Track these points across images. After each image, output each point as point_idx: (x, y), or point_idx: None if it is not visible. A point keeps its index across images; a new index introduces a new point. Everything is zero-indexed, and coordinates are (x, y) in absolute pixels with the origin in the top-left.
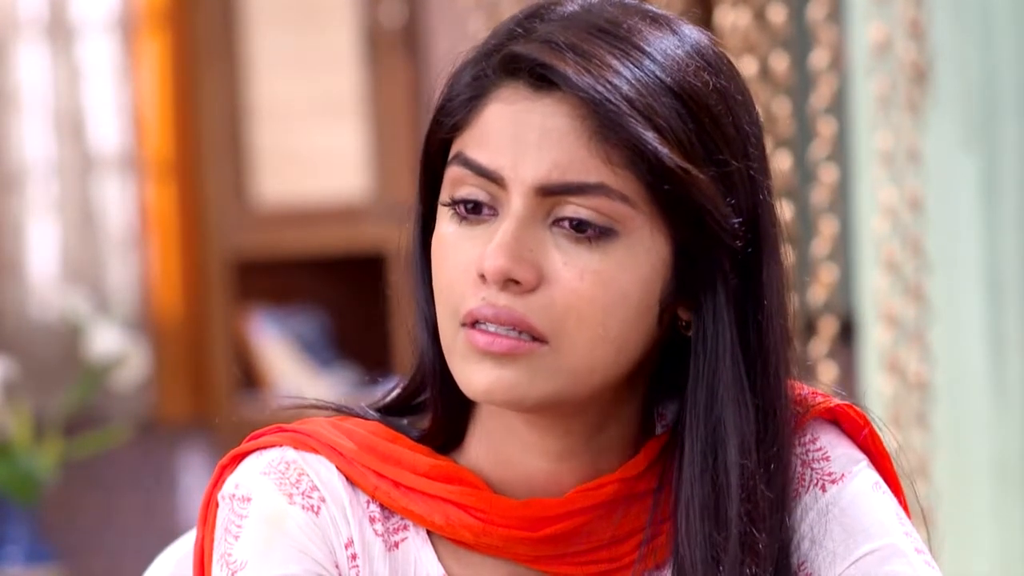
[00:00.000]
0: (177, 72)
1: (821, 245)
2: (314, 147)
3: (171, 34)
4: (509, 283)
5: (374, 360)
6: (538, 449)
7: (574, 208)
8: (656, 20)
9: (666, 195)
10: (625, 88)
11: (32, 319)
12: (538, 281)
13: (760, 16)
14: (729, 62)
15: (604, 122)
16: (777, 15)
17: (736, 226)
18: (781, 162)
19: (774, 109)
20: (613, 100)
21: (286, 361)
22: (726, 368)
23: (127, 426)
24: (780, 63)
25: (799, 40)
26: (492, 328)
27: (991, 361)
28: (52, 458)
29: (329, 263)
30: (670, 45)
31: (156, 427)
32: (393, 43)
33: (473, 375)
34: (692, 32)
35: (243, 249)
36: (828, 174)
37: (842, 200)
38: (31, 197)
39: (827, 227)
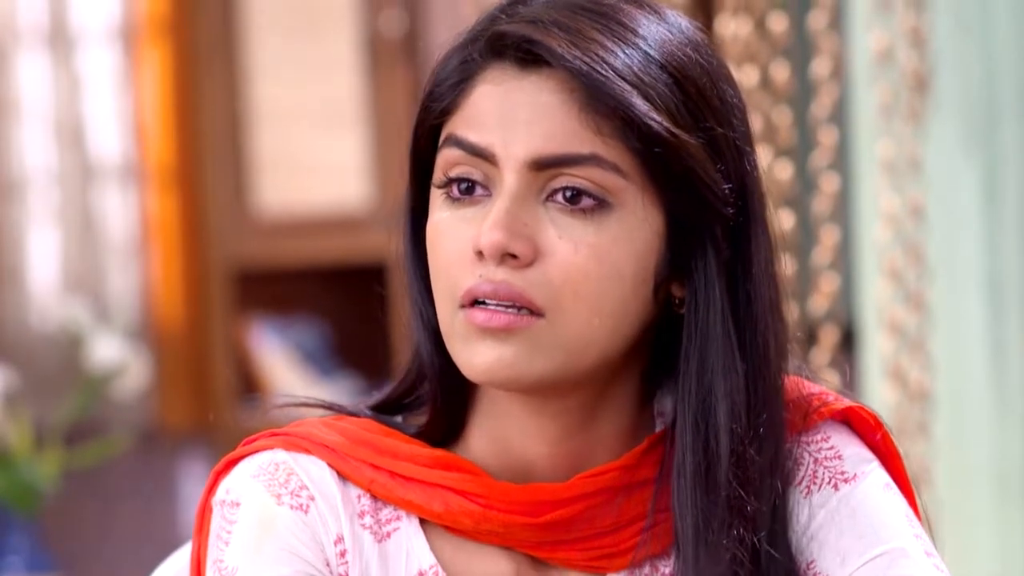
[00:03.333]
0: (177, 81)
1: (822, 254)
2: (315, 156)
3: (171, 43)
4: (506, 258)
5: (374, 369)
6: (537, 433)
7: (567, 180)
8: (637, 2)
9: (657, 163)
10: (611, 59)
11: (32, 328)
12: (534, 255)
13: (761, 25)
14: (709, 42)
15: (593, 93)
16: (778, 24)
17: (726, 192)
18: (782, 171)
19: (775, 118)
20: (601, 71)
21: (286, 370)
22: (716, 336)
23: (128, 435)
24: (781, 72)
25: (800, 49)
26: (492, 305)
27: (992, 369)
28: (52, 467)
29: (329, 272)
30: (653, 22)
31: (157, 436)
32: (393, 52)
33: (474, 356)
34: (673, 13)
35: (244, 258)
36: (829, 183)
37: (843, 209)
38: (32, 206)
39: (828, 236)
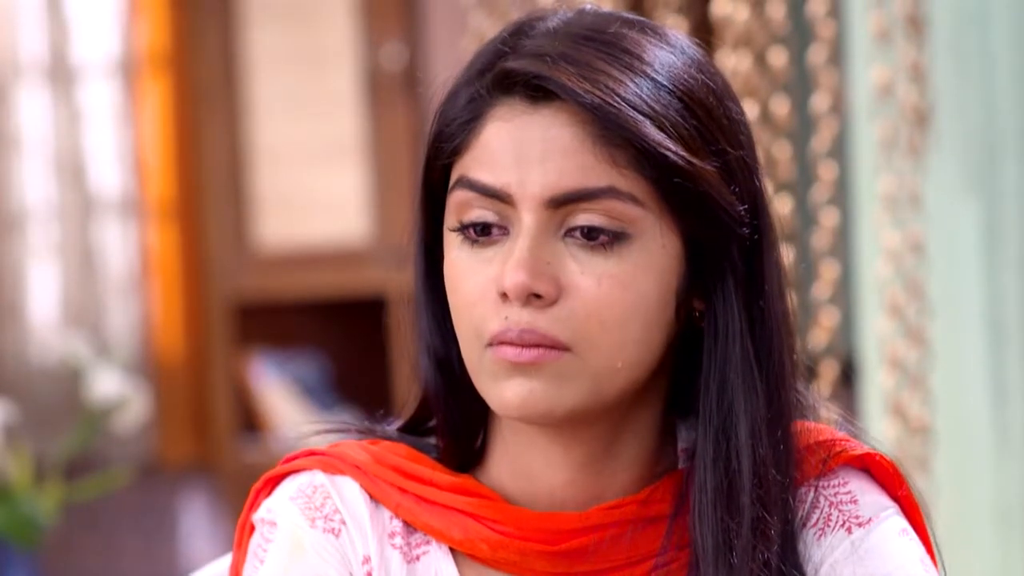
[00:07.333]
0: (178, 116)
1: (822, 289)
2: (315, 190)
3: (172, 78)
4: (531, 298)
5: (374, 403)
6: (560, 460)
7: (586, 216)
8: (635, 25)
9: (674, 191)
10: (621, 90)
11: (32, 363)
12: (558, 293)
13: (761, 60)
14: (709, 57)
15: (606, 125)
16: (778, 59)
17: (742, 213)
18: (782, 206)
19: (775, 153)
20: (612, 103)
21: (287, 404)
22: (736, 355)
23: (128, 470)
24: (781, 107)
25: (800, 84)
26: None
27: (992, 404)
28: (53, 502)
29: (329, 306)
30: (657, 47)
31: (157, 471)
32: (394, 86)
33: (505, 391)
34: (671, 32)
35: (244, 292)
36: (829, 218)
37: (843, 244)
38: (32, 240)
39: (828, 271)
